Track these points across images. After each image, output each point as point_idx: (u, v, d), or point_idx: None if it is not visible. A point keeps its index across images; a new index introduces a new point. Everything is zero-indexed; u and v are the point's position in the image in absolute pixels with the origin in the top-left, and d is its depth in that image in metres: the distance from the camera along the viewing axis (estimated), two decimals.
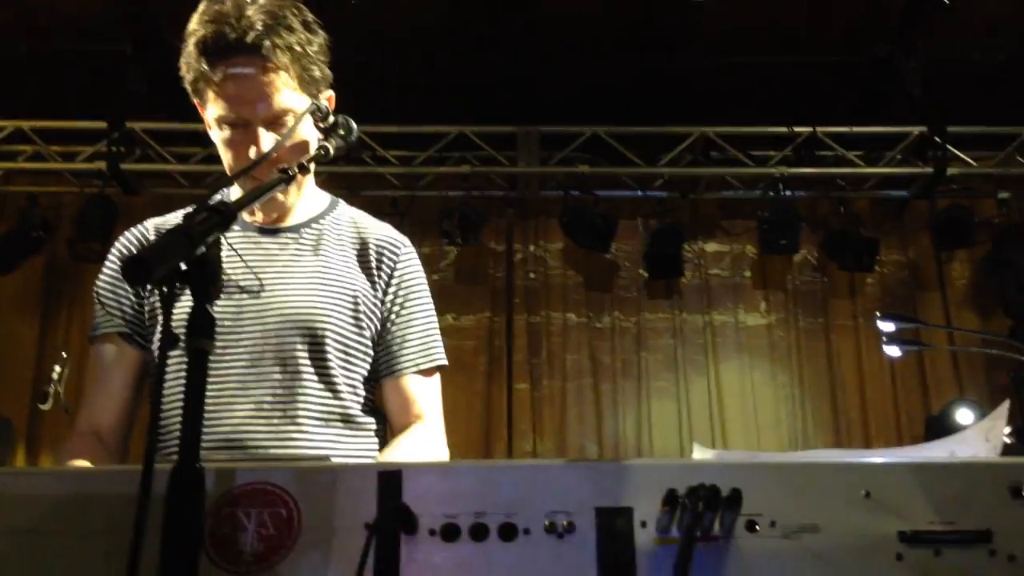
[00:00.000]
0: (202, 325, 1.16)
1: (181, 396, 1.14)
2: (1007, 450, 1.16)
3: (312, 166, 1.92)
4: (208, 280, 1.19)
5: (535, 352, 6.45)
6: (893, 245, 6.52)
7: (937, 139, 6.07)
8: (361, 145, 6.35)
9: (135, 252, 1.95)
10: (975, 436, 1.20)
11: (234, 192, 1.97)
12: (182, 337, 1.15)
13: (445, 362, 2.01)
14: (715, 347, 6.44)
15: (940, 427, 4.75)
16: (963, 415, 4.92)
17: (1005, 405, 1.23)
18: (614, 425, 6.25)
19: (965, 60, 5.65)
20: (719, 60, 5.80)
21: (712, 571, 1.09)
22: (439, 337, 2.02)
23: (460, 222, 6.26)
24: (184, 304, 1.18)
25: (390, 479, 1.17)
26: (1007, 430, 1.19)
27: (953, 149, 6.16)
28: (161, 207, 2.30)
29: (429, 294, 2.04)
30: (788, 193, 6.35)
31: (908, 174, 6.29)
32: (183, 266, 1.17)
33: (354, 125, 1.77)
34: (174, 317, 1.15)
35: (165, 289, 1.15)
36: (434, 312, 2.03)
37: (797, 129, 6.30)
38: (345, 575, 1.11)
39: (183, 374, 1.16)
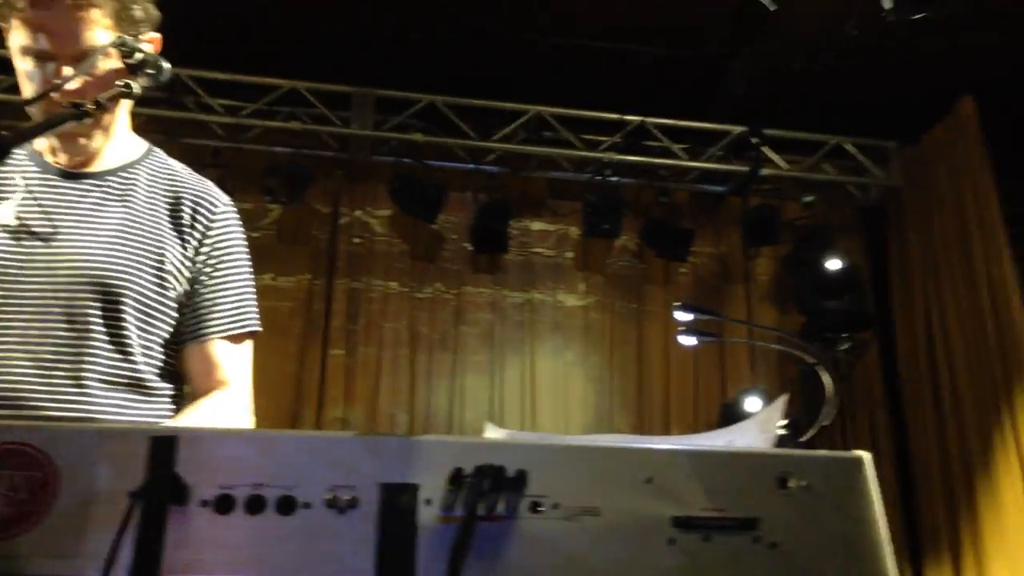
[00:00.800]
0: None
1: None
2: (781, 442, 1.21)
3: (117, 106, 1.80)
4: None
5: (353, 318, 6.36)
6: (707, 238, 6.82)
7: (754, 140, 6.36)
8: (184, 90, 6.04)
9: None
10: (752, 427, 1.25)
11: None
12: None
13: (258, 328, 1.93)
14: (532, 325, 6.55)
15: (732, 414, 5.02)
16: (752, 403, 5.22)
17: (782, 399, 1.29)
18: (427, 397, 6.26)
19: (786, 67, 5.94)
20: (560, 42, 5.87)
21: (493, 550, 1.08)
22: (254, 302, 1.93)
23: (285, 180, 6.07)
24: None
25: (162, 445, 1.10)
26: (783, 422, 1.25)
27: (767, 151, 6.48)
28: None
29: (247, 257, 1.94)
30: (614, 179, 6.52)
31: (726, 171, 6.58)
32: None
33: (165, 64, 1.67)
34: None
35: None
36: (251, 276, 1.94)
37: (627, 117, 6.46)
38: (103, 546, 1.04)
39: None
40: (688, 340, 1.46)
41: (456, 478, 1.08)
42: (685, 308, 1.40)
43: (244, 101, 6.23)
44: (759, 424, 1.26)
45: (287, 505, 1.08)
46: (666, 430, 6.32)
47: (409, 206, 6.27)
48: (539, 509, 1.08)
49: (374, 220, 6.60)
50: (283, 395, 5.95)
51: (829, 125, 6.56)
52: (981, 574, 5.62)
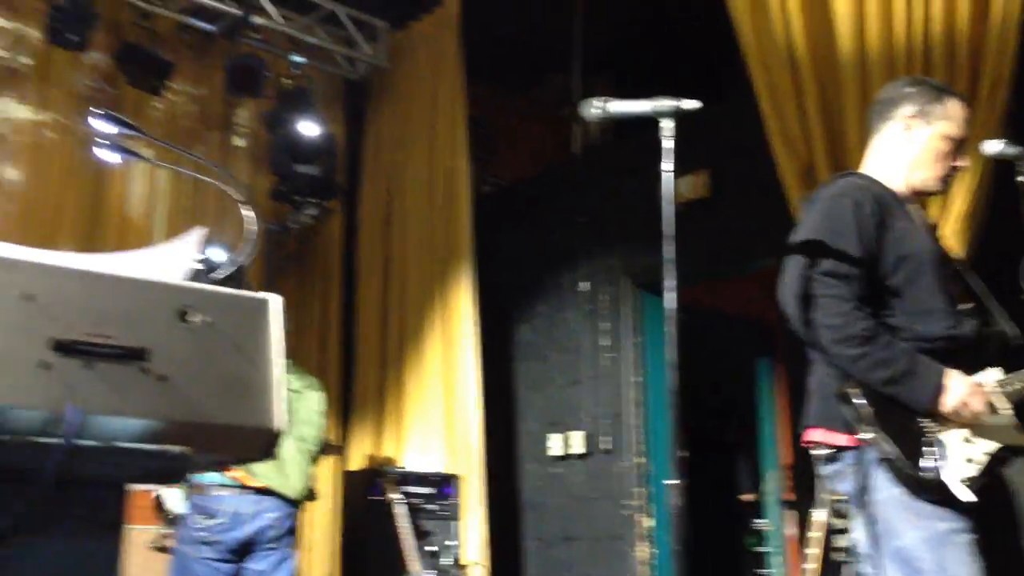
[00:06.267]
0: None
1: None
2: (195, 276, 1.17)
3: None
4: None
5: None
6: (188, 76, 6.43)
7: None
8: None
9: None
10: (164, 255, 1.19)
11: None
12: None
13: None
14: None
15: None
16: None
17: (200, 231, 1.24)
18: None
19: None
20: None
21: None
22: None
23: None
24: None
25: None
26: (199, 256, 1.21)
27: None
28: None
29: None
30: None
31: (217, 9, 6.21)
32: None
33: None
34: None
35: None
36: None
37: None
38: None
39: None
40: (110, 156, 1.34)
41: None
42: (106, 118, 1.27)
43: None
44: (171, 253, 1.20)
45: None
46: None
47: None
48: None
49: None
50: None
51: None
52: (400, 433, 6.26)
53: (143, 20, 6.05)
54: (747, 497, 7.16)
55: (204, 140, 6.53)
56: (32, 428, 0.93)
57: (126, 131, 1.35)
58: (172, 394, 1.04)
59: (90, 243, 5.92)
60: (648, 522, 5.41)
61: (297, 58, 6.42)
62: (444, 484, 5.61)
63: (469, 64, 6.49)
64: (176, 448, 0.99)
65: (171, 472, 1.00)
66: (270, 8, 6.34)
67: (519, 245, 6.55)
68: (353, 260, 6.86)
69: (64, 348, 0.98)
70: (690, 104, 1.93)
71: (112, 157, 1.55)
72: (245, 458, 1.19)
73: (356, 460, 6.35)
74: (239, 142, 6.66)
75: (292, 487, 4.01)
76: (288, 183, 6.28)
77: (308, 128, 6.10)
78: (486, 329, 6.13)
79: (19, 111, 5.88)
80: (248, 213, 1.39)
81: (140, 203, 6.15)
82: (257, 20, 6.19)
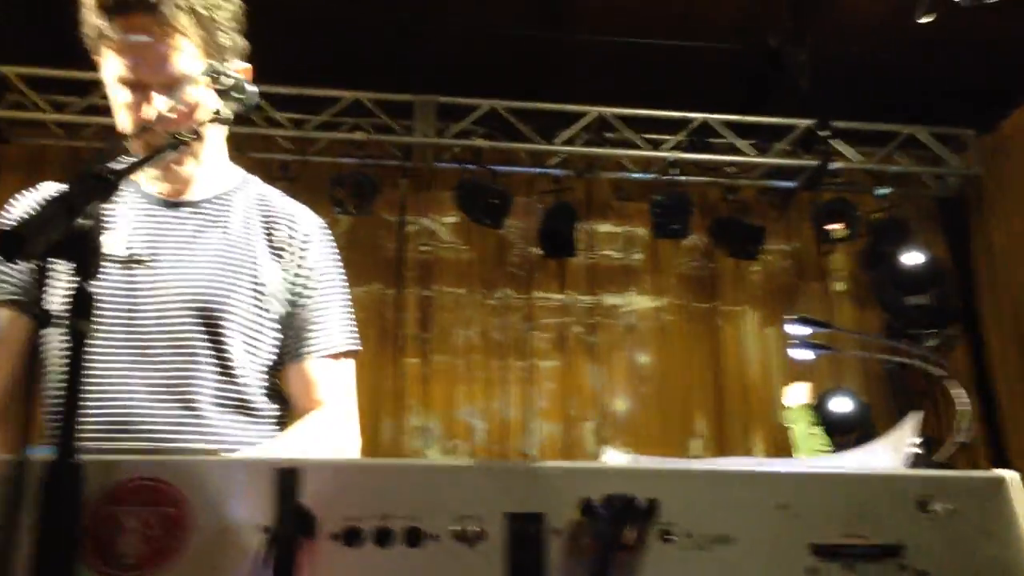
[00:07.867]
0: (80, 304, 1.07)
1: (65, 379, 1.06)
2: (914, 462, 1.17)
3: (209, 132, 1.83)
4: (87, 254, 1.09)
5: (425, 326, 6.38)
6: (778, 234, 6.70)
7: (823, 133, 6.22)
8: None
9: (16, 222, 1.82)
10: (885, 446, 1.21)
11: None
12: (56, 315, 1.06)
13: (357, 347, 1.93)
14: (605, 328, 6.50)
15: (819, 413, 4.91)
16: (837, 403, 5.11)
17: (915, 415, 1.24)
18: (503, 403, 6.25)
19: (851, 56, 5.80)
20: (619, 41, 5.82)
21: None
22: (351, 320, 1.94)
23: (352, 190, 6.12)
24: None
25: (288, 476, 1.10)
26: (915, 441, 1.21)
27: (837, 144, 6.33)
28: (35, 157, 2.13)
29: (342, 276, 1.96)
30: (681, 178, 6.43)
31: (795, 165, 6.45)
32: (61, 239, 1.08)
33: (252, 88, 1.69)
34: (65, 292, 1.07)
35: (39, 264, 1.07)
36: (347, 294, 1.95)
37: (691, 115, 6.38)
38: None
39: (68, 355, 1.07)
40: (803, 354, 1.42)
41: (586, 508, 1.06)
42: (799, 322, 1.36)
43: (308, 114, 6.29)
44: (892, 444, 1.22)
45: (415, 537, 1.07)
46: (746, 432, 6.22)
47: (475, 212, 6.28)
48: (670, 538, 1.06)
49: (441, 227, 6.62)
50: (362, 406, 5.98)
51: (897, 114, 6.39)
52: None
53: (730, 195, 6.50)
54: None
55: (804, 292, 6.67)
56: None
57: (818, 329, 1.44)
58: None
59: (719, 409, 6.30)
60: None
61: (882, 190, 6.33)
62: None
63: None
64: None
65: None
66: (846, 150, 6.39)
67: None
68: (988, 386, 6.29)
69: (824, 552, 1.03)
70: None
71: (804, 355, 1.65)
72: None
73: None
74: (839, 287, 6.67)
75: None
76: (900, 318, 6.08)
77: (911, 257, 5.91)
78: None
79: (639, 301, 6.61)
80: (957, 390, 1.36)
81: (756, 363, 6.40)
82: (836, 165, 6.27)
